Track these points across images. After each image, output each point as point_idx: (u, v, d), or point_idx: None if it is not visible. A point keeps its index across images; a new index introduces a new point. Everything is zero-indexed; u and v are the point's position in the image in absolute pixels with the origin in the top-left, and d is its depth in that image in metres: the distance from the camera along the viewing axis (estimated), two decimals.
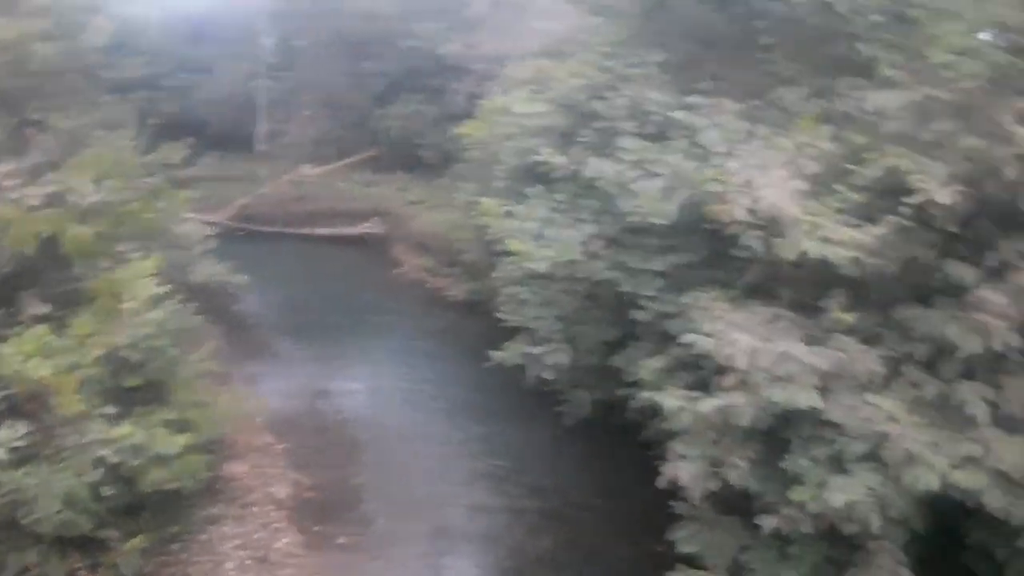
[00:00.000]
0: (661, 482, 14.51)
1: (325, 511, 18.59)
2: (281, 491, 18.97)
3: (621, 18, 20.58)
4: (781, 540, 14.07)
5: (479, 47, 34.81)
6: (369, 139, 41.03)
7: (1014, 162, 13.27)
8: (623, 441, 18.56)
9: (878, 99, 14.72)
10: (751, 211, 14.26)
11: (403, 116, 39.70)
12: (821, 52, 17.09)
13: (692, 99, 16.93)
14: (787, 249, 13.93)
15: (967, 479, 12.48)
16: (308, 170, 39.08)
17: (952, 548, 13.99)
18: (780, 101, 16.55)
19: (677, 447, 14.60)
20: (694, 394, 14.33)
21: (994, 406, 13.16)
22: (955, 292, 13.76)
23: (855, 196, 14.31)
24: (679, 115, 16.84)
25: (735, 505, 14.65)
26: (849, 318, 14.01)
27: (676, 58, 18.64)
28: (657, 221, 16.01)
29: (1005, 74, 14.07)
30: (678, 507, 15.06)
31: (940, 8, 15.10)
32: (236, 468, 19.18)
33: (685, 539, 15.15)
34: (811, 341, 13.99)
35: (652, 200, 16.03)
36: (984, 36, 14.74)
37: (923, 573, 13.55)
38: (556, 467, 20.70)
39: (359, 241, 36.43)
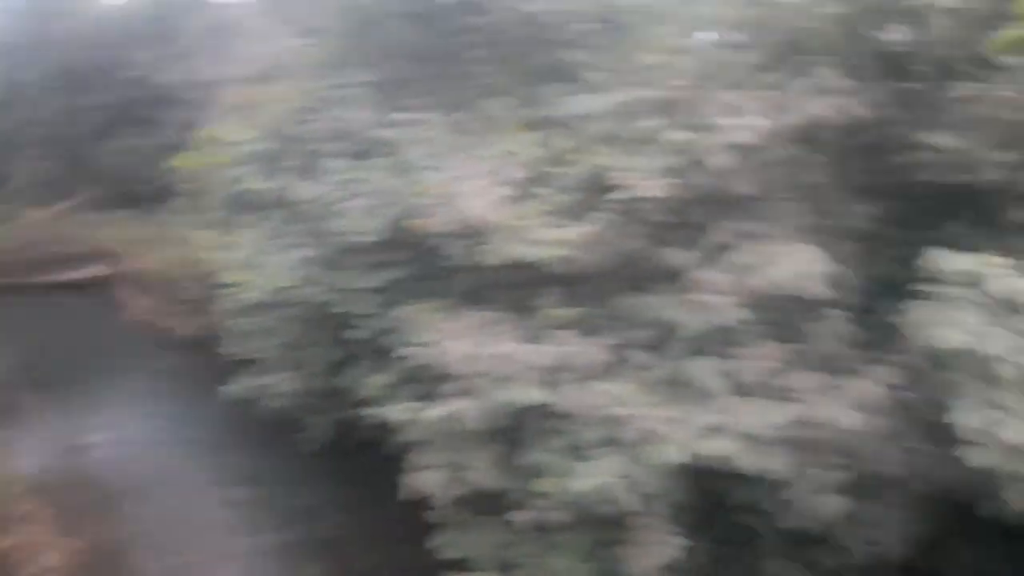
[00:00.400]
0: (404, 494, 14.54)
1: (100, 573, 17.95)
2: (55, 559, 18.05)
3: (330, 39, 20.52)
4: (544, 531, 14.23)
5: (195, 74, 33.99)
6: (92, 177, 39.13)
7: (720, 151, 14.08)
8: (369, 459, 18.21)
9: (584, 103, 15.28)
10: (454, 221, 14.49)
11: (122, 151, 38.15)
12: (528, 61, 17.53)
13: (397, 116, 16.99)
14: (491, 255, 14.23)
15: (713, 447, 12.98)
16: (34, 214, 37.24)
17: (725, 509, 14.48)
18: (487, 111, 16.81)
19: (416, 458, 14.67)
20: (420, 405, 14.46)
21: (729, 376, 13.80)
22: (673, 277, 14.39)
23: (563, 197, 14.77)
24: (383, 133, 16.92)
25: (490, 504, 14.69)
26: (566, 313, 14.42)
27: (385, 76, 18.70)
28: (365, 239, 16.08)
29: (715, 69, 15.00)
30: (432, 515, 15.01)
31: (653, 12, 15.85)
32: (5, 542, 18.05)
33: (447, 545, 15.12)
34: (530, 339, 14.28)
35: (357, 219, 16.11)
36: (704, 35, 15.61)
37: (699, 537, 14.01)
38: (309, 494, 20.49)
39: (88, 286, 34.81)
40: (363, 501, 19.61)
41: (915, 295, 12.74)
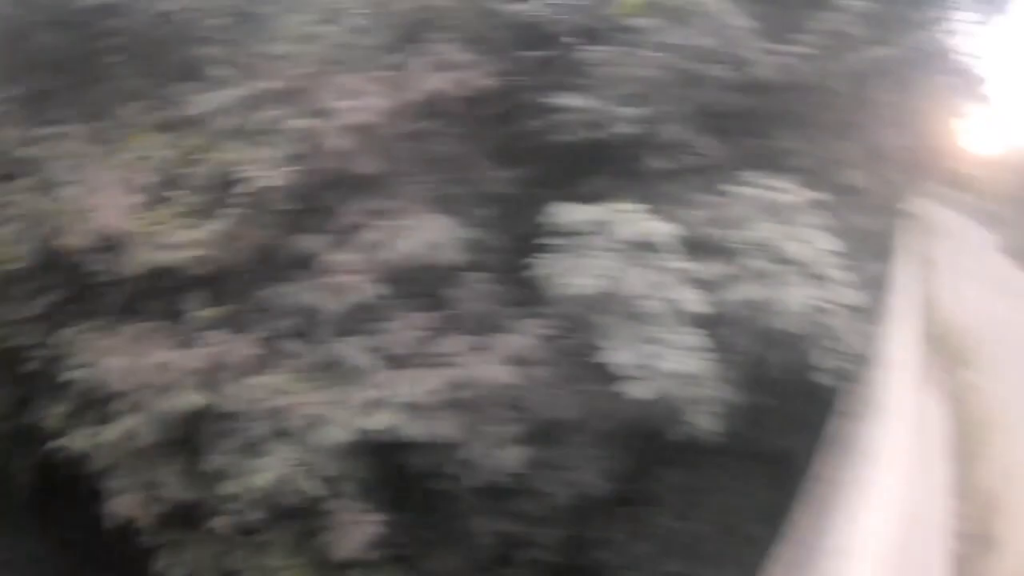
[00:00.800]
0: (111, 523, 14.12)
1: None
2: None
3: None
4: (250, 533, 14.17)
5: None
6: None
7: (339, 134, 14.21)
8: (76, 495, 17.36)
9: (212, 99, 15.01)
10: (92, 235, 14.05)
11: None
12: (165, 61, 16.96)
13: (41, 131, 16.24)
14: (132, 265, 13.89)
15: (376, 421, 13.36)
16: None
17: (414, 479, 14.73)
18: (124, 117, 16.25)
19: (110, 484, 14.27)
20: (98, 428, 14.06)
21: (379, 351, 14.10)
22: (308, 263, 14.51)
23: (196, 197, 14.53)
24: (28, 151, 16.12)
25: (194, 517, 14.42)
26: (213, 313, 14.26)
27: (30, 90, 17.78)
28: (19, 266, 15.24)
29: (339, 54, 14.94)
30: (145, 540, 14.62)
31: (287, 1, 15.70)
32: None
33: (168, 568, 14.80)
34: (183, 344, 14.07)
35: (8, 246, 15.28)
36: (334, 22, 15.48)
37: (399, 510, 14.32)
38: (25, 546, 19.15)
39: None
40: (76, 541, 18.41)
41: (548, 249, 13.13)
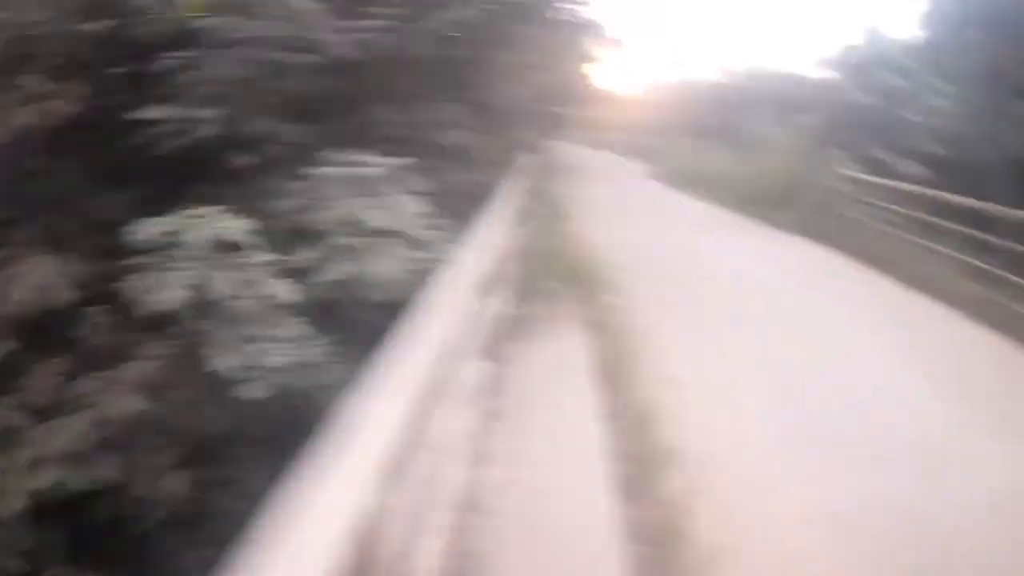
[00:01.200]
0: None
1: None
2: None
3: None
4: None
5: None
6: None
7: None
8: None
9: None
10: None
11: None
12: None
13: None
14: None
15: (41, 480, 12.80)
16: None
17: (110, 526, 13.97)
18: None
19: None
20: None
21: (25, 407, 13.67)
22: None
23: None
24: None
25: None
26: None
27: None
28: None
29: None
30: None
31: None
32: None
33: None
34: None
35: None
36: None
37: (108, 565, 13.85)
38: None
39: None
40: None
41: (134, 268, 13.14)
